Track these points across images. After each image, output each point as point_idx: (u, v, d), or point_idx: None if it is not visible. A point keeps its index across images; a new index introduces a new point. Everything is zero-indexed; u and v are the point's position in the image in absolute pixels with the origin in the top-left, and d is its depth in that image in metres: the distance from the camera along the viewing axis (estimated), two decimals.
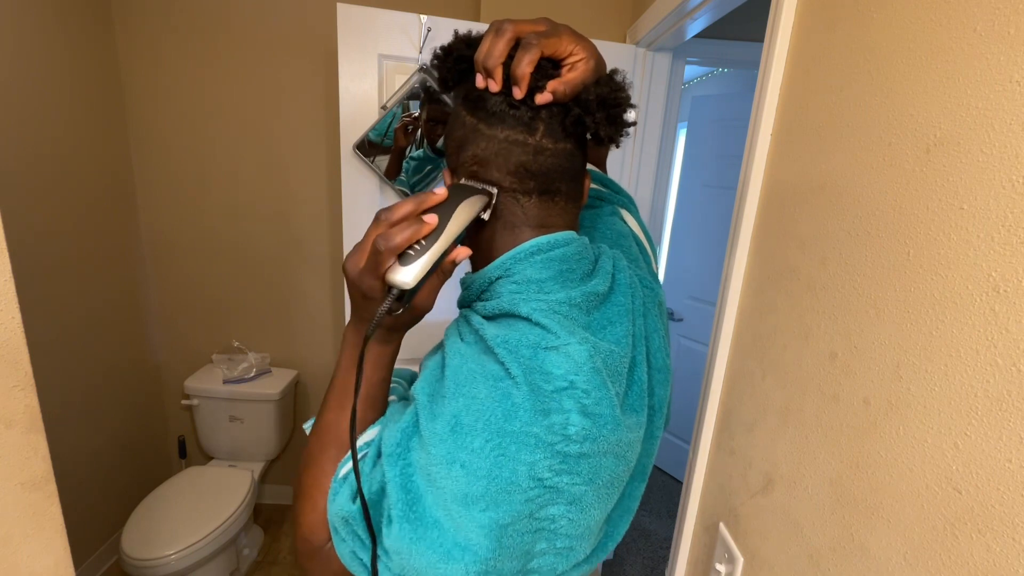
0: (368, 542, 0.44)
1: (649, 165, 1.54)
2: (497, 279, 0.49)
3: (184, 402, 1.88)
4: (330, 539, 0.47)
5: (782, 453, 0.60)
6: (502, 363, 0.43)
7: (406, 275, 0.40)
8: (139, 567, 1.40)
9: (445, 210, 0.43)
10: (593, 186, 0.69)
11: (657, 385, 0.54)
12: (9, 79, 1.34)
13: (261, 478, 1.93)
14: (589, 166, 0.69)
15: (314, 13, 1.69)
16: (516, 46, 0.45)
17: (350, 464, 0.46)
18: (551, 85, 0.45)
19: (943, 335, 0.39)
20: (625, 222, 0.67)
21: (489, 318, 0.48)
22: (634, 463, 0.50)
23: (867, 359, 0.47)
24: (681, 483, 0.86)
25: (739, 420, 0.72)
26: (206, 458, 2.01)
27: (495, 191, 0.48)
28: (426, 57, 1.29)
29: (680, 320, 2.43)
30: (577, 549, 0.46)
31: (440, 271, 0.45)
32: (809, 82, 0.60)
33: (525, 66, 0.43)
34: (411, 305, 0.46)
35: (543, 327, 0.44)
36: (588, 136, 0.49)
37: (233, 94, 1.75)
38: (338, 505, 0.45)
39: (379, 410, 0.51)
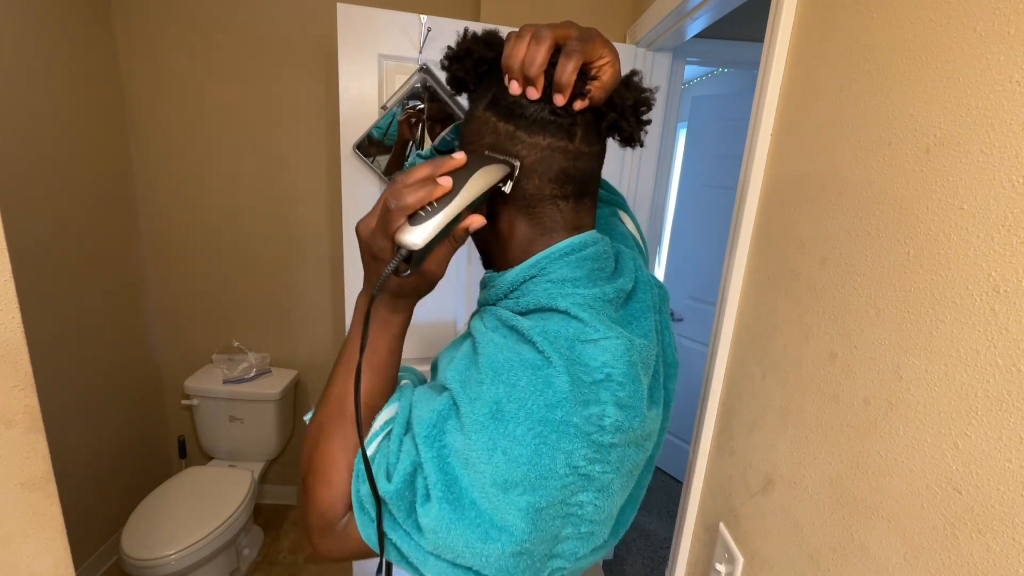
0: (402, 522, 0.44)
1: (649, 165, 1.54)
2: (530, 278, 0.50)
3: (184, 402, 1.88)
4: (346, 515, 0.47)
5: (782, 453, 0.60)
6: (541, 352, 0.44)
7: (416, 235, 0.40)
8: (139, 567, 1.40)
9: (462, 175, 0.43)
10: None
11: (667, 379, 0.56)
12: (9, 79, 1.34)
13: (261, 478, 1.93)
14: None
15: (314, 13, 1.69)
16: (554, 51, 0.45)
17: (373, 445, 0.47)
18: (591, 91, 0.45)
19: (943, 335, 0.39)
20: (624, 223, 0.68)
21: (521, 314, 0.48)
22: (650, 453, 0.52)
23: (867, 359, 0.47)
24: (681, 483, 0.85)
25: (739, 420, 0.72)
26: (206, 458, 2.01)
27: (518, 164, 0.47)
28: (426, 57, 1.29)
29: (680, 320, 2.43)
30: (598, 534, 0.48)
31: (452, 237, 0.46)
32: (809, 82, 0.60)
33: (571, 74, 0.44)
34: (420, 270, 0.45)
35: (581, 321, 0.45)
36: (616, 137, 0.50)
37: (233, 94, 1.75)
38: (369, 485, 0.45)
39: (391, 381, 0.51)
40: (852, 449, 0.48)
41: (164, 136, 1.77)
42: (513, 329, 0.46)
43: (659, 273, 3.10)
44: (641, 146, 0.51)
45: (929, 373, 0.40)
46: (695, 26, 1.21)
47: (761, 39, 0.70)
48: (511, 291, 0.51)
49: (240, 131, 1.79)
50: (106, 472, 1.77)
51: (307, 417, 0.54)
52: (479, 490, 0.42)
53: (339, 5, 1.23)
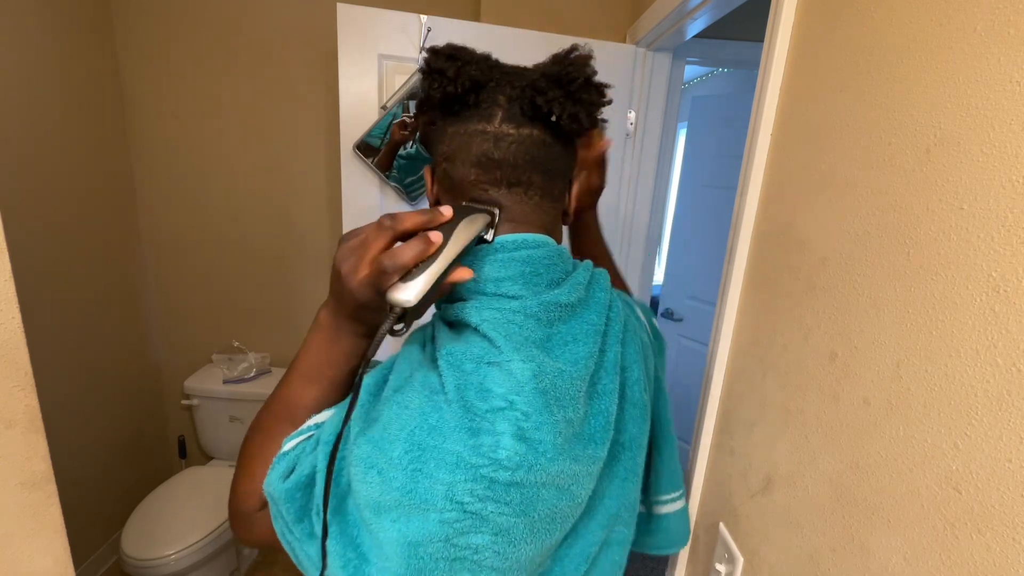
0: (292, 525, 0.44)
1: (649, 165, 1.54)
2: None
3: (184, 402, 1.88)
4: (260, 509, 0.48)
5: (782, 453, 0.60)
6: (440, 374, 0.42)
7: (408, 293, 0.39)
8: (139, 567, 1.40)
9: (448, 228, 0.43)
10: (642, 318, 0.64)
11: (630, 421, 0.51)
12: (8, 79, 1.34)
13: None
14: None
15: (314, 13, 1.69)
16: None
17: (294, 441, 0.46)
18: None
19: (943, 335, 0.39)
20: (634, 311, 0.62)
21: (449, 324, 0.48)
22: (583, 500, 0.46)
23: (867, 359, 0.47)
24: None
25: (739, 420, 0.72)
26: (206, 458, 2.01)
27: (497, 211, 0.48)
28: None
29: (680, 320, 2.43)
30: None
31: (438, 290, 0.45)
32: (809, 82, 0.60)
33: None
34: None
35: (489, 340, 0.43)
36: (553, 119, 0.46)
37: (233, 94, 1.75)
38: (269, 480, 0.45)
39: (342, 396, 0.50)
40: (852, 449, 0.48)
41: (164, 136, 1.77)
42: (434, 346, 0.46)
43: (659, 273, 3.09)
44: (585, 128, 0.47)
45: (929, 373, 0.40)
46: (695, 26, 1.21)
47: (761, 39, 0.70)
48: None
49: (240, 131, 1.78)
50: (106, 472, 1.77)
51: None
52: (359, 510, 0.41)
53: (339, 5, 1.23)
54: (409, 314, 0.41)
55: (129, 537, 1.46)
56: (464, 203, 0.49)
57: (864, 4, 0.51)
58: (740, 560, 0.67)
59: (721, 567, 0.71)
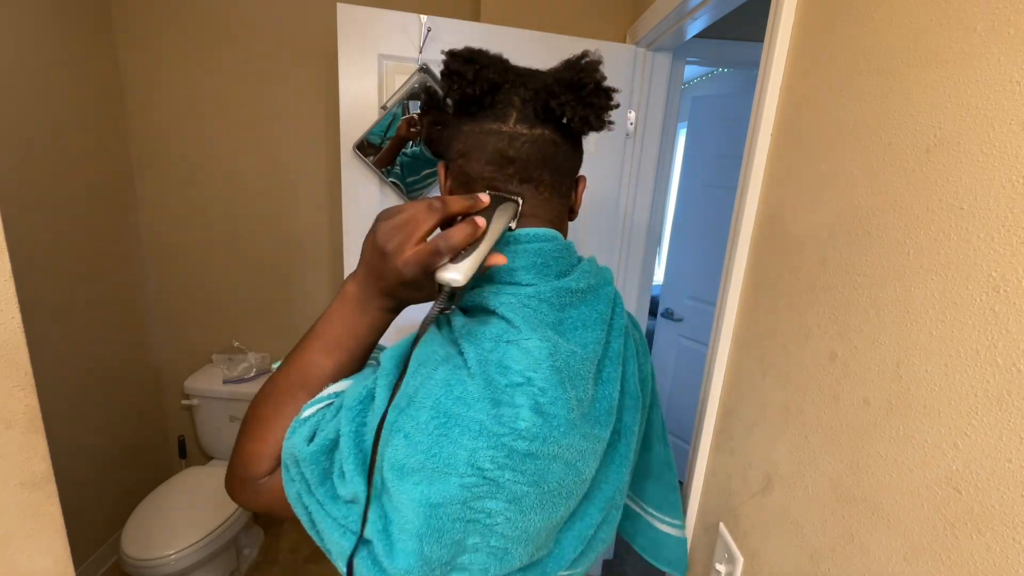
0: (314, 488, 0.44)
1: (649, 165, 1.54)
2: None
3: (184, 402, 1.88)
4: (268, 474, 0.48)
5: (782, 453, 0.60)
6: (462, 353, 0.45)
7: (458, 273, 0.41)
8: (139, 567, 1.40)
9: (487, 215, 0.45)
10: None
11: (626, 410, 0.54)
12: (9, 79, 1.34)
13: None
14: None
15: (314, 13, 1.69)
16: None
17: (316, 407, 0.47)
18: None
19: (943, 335, 0.39)
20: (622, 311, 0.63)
21: (465, 311, 0.50)
22: (588, 477, 0.49)
23: (867, 359, 0.47)
24: (681, 483, 0.85)
25: (739, 420, 0.72)
26: (206, 458, 2.01)
27: (520, 201, 0.50)
28: (426, 57, 1.29)
29: (680, 320, 2.43)
30: (512, 552, 0.45)
31: (478, 273, 0.47)
32: (809, 82, 0.60)
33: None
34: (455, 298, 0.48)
35: (508, 321, 0.46)
36: (565, 121, 0.49)
37: (233, 94, 1.75)
38: (292, 443, 0.45)
39: (361, 362, 0.52)
40: (852, 449, 0.48)
41: (164, 136, 1.77)
42: (451, 328, 0.48)
43: (659, 273, 3.11)
44: (594, 130, 0.51)
45: (929, 373, 0.40)
46: (695, 26, 1.21)
47: (761, 39, 0.70)
48: None
49: (240, 131, 1.78)
50: (106, 472, 1.77)
51: (275, 365, 0.55)
52: (381, 472, 0.42)
53: (339, 5, 1.23)
54: (457, 294, 0.43)
55: (129, 537, 1.46)
56: (489, 192, 0.50)
57: (864, 4, 0.51)
58: (740, 560, 0.67)
59: (721, 567, 0.71)
